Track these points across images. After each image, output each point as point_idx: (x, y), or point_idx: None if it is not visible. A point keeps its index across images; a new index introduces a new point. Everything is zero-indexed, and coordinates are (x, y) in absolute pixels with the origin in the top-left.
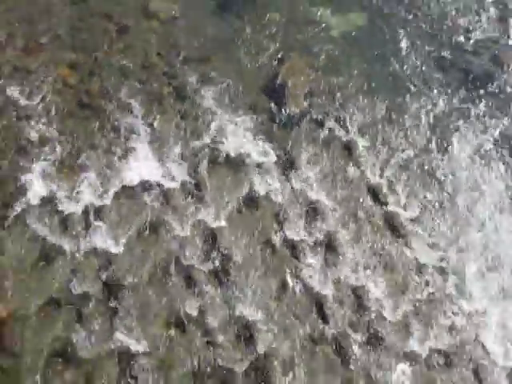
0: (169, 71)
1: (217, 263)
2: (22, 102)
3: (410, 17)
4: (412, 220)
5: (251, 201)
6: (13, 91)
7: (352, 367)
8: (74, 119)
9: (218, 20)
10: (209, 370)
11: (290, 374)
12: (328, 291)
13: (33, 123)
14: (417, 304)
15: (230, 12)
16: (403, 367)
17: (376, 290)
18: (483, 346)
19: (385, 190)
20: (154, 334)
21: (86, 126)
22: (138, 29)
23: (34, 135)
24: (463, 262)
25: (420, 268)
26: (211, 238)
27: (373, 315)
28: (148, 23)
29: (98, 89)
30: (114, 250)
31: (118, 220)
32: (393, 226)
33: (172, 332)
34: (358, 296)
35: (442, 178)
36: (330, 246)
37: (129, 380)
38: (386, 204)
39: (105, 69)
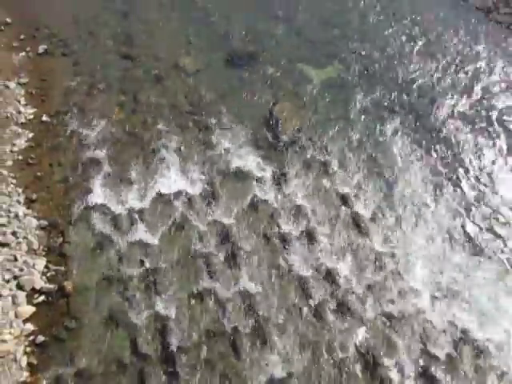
0: (192, 109)
1: (228, 250)
2: (84, 131)
3: (370, 70)
4: (371, 219)
5: (253, 204)
6: (78, 124)
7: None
8: (122, 144)
9: (229, 72)
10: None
11: (283, 336)
12: (309, 271)
13: (92, 147)
14: (374, 281)
15: (238, 67)
16: (364, 329)
17: (345, 270)
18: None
19: (352, 196)
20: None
21: (130, 150)
22: (170, 78)
23: (92, 156)
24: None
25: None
26: (224, 231)
27: (343, 289)
28: (177, 74)
29: (139, 122)
30: (151, 241)
31: (154, 219)
32: (357, 224)
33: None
34: (332, 275)
35: (395, 188)
36: (310, 238)
37: None
38: (352, 207)
39: (145, 107)
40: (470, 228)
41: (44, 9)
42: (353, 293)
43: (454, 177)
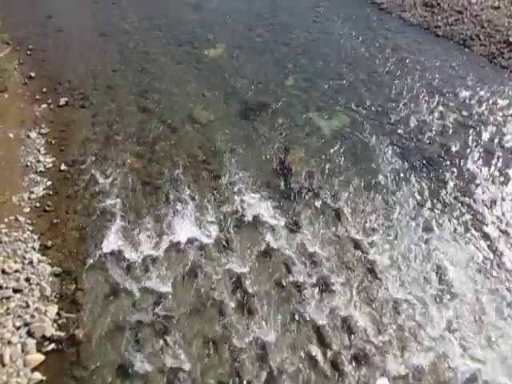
0: (206, 159)
1: (241, 298)
2: (101, 180)
3: (380, 119)
4: (387, 266)
5: (266, 253)
6: (95, 172)
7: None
8: (137, 193)
9: (241, 123)
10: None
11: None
12: (325, 320)
13: (107, 196)
14: (393, 329)
15: (250, 117)
16: (384, 381)
17: (362, 318)
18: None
19: (366, 243)
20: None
21: (145, 198)
22: (184, 129)
23: (108, 204)
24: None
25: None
26: (237, 280)
27: (359, 339)
28: (192, 125)
29: (155, 171)
30: (164, 289)
31: (168, 267)
32: (373, 271)
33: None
34: (348, 324)
35: (411, 234)
36: (325, 286)
37: None
38: (367, 254)
39: (160, 157)
40: (493, 279)
41: (66, 64)
42: (370, 342)
43: (473, 223)
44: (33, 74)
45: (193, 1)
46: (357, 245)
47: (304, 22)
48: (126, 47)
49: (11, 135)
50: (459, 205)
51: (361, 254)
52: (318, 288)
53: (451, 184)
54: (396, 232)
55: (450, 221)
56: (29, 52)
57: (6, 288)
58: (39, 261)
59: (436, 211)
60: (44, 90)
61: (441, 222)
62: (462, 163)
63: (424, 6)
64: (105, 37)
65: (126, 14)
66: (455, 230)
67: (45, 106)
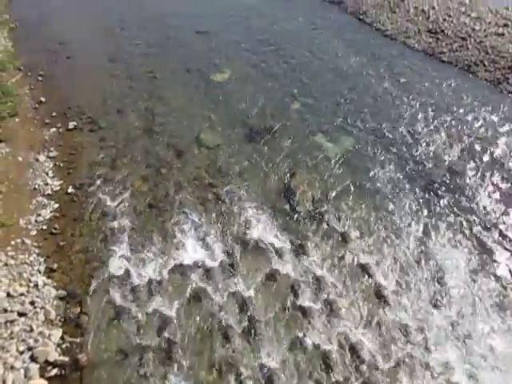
0: (212, 182)
1: (246, 322)
2: (108, 202)
3: (385, 143)
4: (395, 290)
5: (272, 276)
6: (102, 195)
7: None
8: (144, 216)
9: (247, 147)
10: None
11: None
12: (331, 346)
13: (114, 218)
14: (401, 355)
15: (256, 141)
16: None
17: (370, 344)
18: None
19: (373, 267)
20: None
21: (151, 221)
22: (191, 153)
23: (114, 227)
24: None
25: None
26: (242, 303)
27: (367, 365)
28: (198, 149)
29: (161, 194)
30: (168, 313)
31: (173, 290)
32: (380, 295)
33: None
34: (356, 349)
35: (418, 258)
36: (331, 310)
37: None
38: (374, 278)
39: (167, 180)
40: (506, 304)
41: (76, 89)
42: (379, 368)
43: (484, 251)
44: (43, 99)
45: (200, 28)
46: (363, 268)
47: (308, 47)
48: (134, 72)
49: (20, 159)
50: (464, 228)
51: (367, 277)
52: (324, 312)
53: (458, 209)
54: (403, 256)
55: (457, 247)
56: (40, 78)
57: (11, 311)
58: (44, 284)
59: (442, 235)
60: (53, 114)
61: (448, 247)
62: (468, 187)
63: (428, 33)
64: (114, 62)
65: (135, 41)
66: (464, 256)
67: (54, 129)
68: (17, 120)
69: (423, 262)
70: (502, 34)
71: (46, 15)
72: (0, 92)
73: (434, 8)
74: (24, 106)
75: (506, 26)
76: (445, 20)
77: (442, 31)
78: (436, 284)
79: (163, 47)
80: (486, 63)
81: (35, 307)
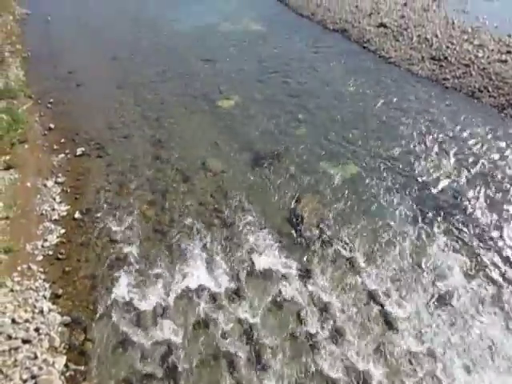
0: (218, 207)
1: (253, 350)
2: (114, 228)
3: (390, 167)
4: (403, 317)
5: (278, 302)
6: (108, 220)
7: None
8: (150, 241)
9: (253, 172)
10: None
11: None
12: (339, 374)
13: (120, 244)
14: None
15: (261, 166)
16: None
17: (378, 373)
18: None
19: (381, 293)
20: None
21: (157, 246)
22: (197, 178)
23: (120, 252)
24: (446, 352)
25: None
26: (248, 330)
27: None
28: (204, 174)
29: (167, 219)
30: (174, 340)
31: (178, 316)
32: (389, 322)
33: None
34: (364, 378)
35: (427, 285)
36: (339, 338)
37: None
38: (383, 304)
39: (173, 205)
40: None
41: (84, 116)
42: None
43: (493, 274)
44: (52, 126)
45: (206, 56)
46: (371, 295)
47: (312, 73)
48: (142, 99)
49: (29, 184)
50: (471, 256)
51: (375, 304)
52: (331, 340)
53: (465, 234)
54: (412, 282)
55: (469, 275)
56: (49, 105)
57: (15, 338)
58: (49, 310)
59: (450, 261)
60: (62, 140)
61: (456, 273)
62: (474, 212)
63: (432, 60)
64: (122, 90)
65: (143, 69)
66: (472, 285)
67: (62, 155)
68: (26, 146)
69: (433, 288)
70: (505, 61)
71: (58, 45)
72: (11, 119)
73: (436, 36)
74: (33, 133)
75: (509, 52)
76: (448, 47)
77: (446, 58)
78: (446, 312)
79: (170, 74)
80: (490, 89)
81: (40, 334)
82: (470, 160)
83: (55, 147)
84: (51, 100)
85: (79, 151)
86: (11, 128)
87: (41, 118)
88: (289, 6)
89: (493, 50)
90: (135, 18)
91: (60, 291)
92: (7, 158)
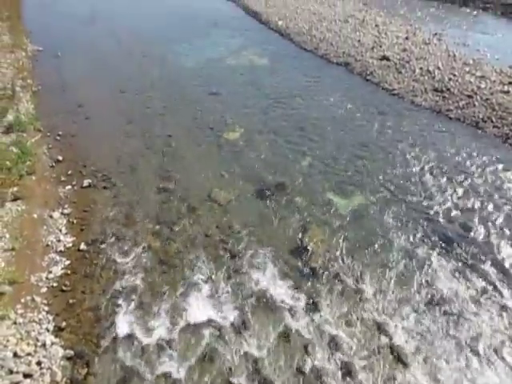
0: (224, 238)
1: None
2: (119, 259)
3: (397, 199)
4: (414, 352)
5: (285, 335)
6: (113, 251)
7: None
8: (155, 273)
9: (259, 203)
10: None
11: None
12: None
13: (125, 275)
14: None
15: (267, 197)
16: None
17: None
18: None
19: (390, 326)
20: None
21: (163, 278)
22: (203, 209)
23: (125, 284)
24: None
25: None
26: (255, 364)
27: None
28: (210, 205)
29: (173, 251)
30: (178, 375)
31: (183, 350)
32: (398, 357)
33: None
34: None
35: (438, 317)
36: (348, 372)
37: None
38: (392, 338)
39: (179, 237)
40: None
41: (92, 149)
42: None
43: (505, 305)
44: (60, 158)
45: (213, 89)
46: (380, 328)
47: (316, 105)
48: (149, 132)
49: (35, 216)
50: (482, 287)
51: (384, 337)
52: (340, 374)
53: (474, 266)
54: (419, 315)
55: (481, 309)
56: (58, 137)
57: (17, 373)
58: (52, 343)
59: (459, 293)
60: (69, 172)
61: (467, 305)
62: (483, 243)
63: (434, 91)
64: (129, 122)
65: (150, 102)
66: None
67: (69, 187)
68: (34, 178)
69: (444, 321)
70: (508, 92)
71: (67, 79)
72: (20, 152)
73: (439, 68)
74: (42, 165)
75: (511, 83)
76: (450, 79)
77: (448, 89)
78: (458, 346)
79: (177, 107)
80: (493, 119)
81: (41, 368)
82: (477, 190)
83: (62, 179)
84: (60, 133)
85: (86, 183)
86: (20, 160)
87: (49, 150)
88: (292, 40)
89: (495, 81)
90: (143, 53)
91: (63, 324)
92: (15, 189)
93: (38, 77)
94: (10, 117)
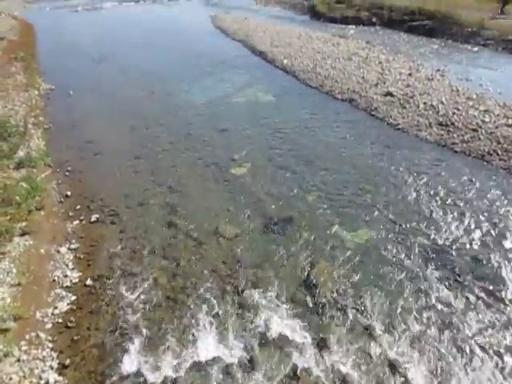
0: (231, 274)
1: None
2: (126, 294)
3: (404, 233)
4: None
5: (294, 373)
6: (120, 287)
7: None
8: (161, 309)
9: (265, 237)
10: None
11: None
12: None
13: (131, 311)
14: None
15: (274, 232)
16: None
17: None
18: None
19: (403, 363)
20: None
21: (169, 314)
22: (209, 244)
23: (131, 320)
24: None
25: None
26: None
27: None
28: (217, 240)
29: (179, 286)
30: None
31: None
32: None
33: None
34: None
35: (452, 353)
36: None
37: None
38: (405, 376)
39: (186, 272)
40: None
41: (101, 184)
42: None
43: None
44: (69, 193)
45: (219, 125)
46: (392, 365)
47: (321, 140)
48: (157, 168)
49: (42, 251)
50: (499, 327)
51: (397, 375)
52: None
53: (486, 299)
54: (434, 351)
55: (494, 345)
56: (67, 173)
57: None
58: (55, 381)
59: (471, 327)
60: (78, 207)
61: (479, 339)
62: (493, 275)
63: (439, 125)
64: (137, 158)
65: (159, 139)
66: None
67: (77, 222)
68: (43, 213)
69: (458, 358)
70: None
71: (78, 117)
72: (29, 187)
73: (442, 103)
74: (50, 200)
75: None
76: (454, 113)
77: (453, 124)
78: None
79: (185, 144)
80: (499, 152)
81: None
82: (487, 223)
83: (70, 214)
84: (69, 168)
85: (93, 218)
86: (29, 195)
87: (58, 186)
88: (298, 77)
89: (499, 115)
90: (151, 91)
91: (67, 361)
92: (24, 224)
93: (50, 114)
94: (21, 153)
